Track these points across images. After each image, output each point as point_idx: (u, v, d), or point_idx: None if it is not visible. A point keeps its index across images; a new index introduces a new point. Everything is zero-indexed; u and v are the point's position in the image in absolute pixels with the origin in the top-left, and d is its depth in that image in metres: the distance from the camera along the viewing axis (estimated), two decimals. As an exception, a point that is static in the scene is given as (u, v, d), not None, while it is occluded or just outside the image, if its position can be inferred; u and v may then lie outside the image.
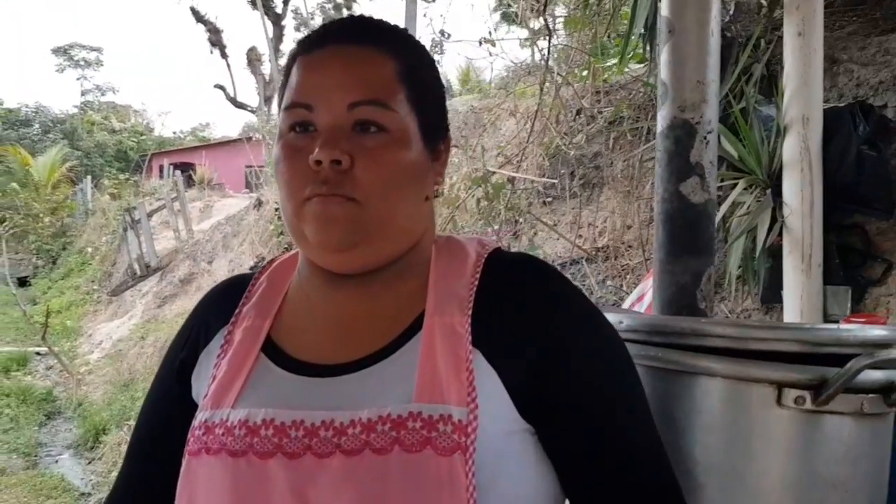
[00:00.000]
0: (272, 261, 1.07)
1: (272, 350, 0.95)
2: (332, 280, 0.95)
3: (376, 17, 0.99)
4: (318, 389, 0.89)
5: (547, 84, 5.40)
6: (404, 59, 0.94)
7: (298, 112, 0.91)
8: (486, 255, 0.97)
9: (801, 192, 2.92)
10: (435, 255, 0.97)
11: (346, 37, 0.94)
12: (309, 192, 0.88)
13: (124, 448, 1.07)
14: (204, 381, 0.97)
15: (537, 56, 7.17)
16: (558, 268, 4.94)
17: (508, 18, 9.15)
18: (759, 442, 1.06)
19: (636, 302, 2.88)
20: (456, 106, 7.92)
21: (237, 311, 1.01)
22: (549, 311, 0.90)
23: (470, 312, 0.89)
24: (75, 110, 41.19)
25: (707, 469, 1.09)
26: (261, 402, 0.89)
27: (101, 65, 46.14)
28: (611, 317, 1.22)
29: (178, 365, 1.01)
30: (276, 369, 0.93)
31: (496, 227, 5.32)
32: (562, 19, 6.41)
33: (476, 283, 0.92)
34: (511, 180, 5.46)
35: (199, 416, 0.92)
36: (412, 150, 0.92)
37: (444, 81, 1.06)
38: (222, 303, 1.03)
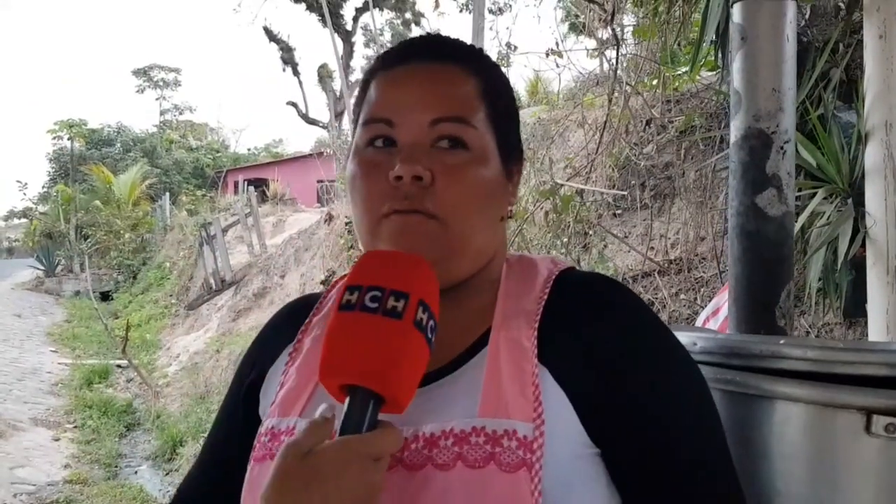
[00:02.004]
0: (341, 277, 1.07)
1: None
2: None
3: (445, 31, 0.99)
4: None
5: (616, 94, 5.33)
6: (485, 77, 0.94)
7: (378, 127, 0.91)
8: (557, 273, 0.95)
9: (885, 200, 2.79)
10: (506, 274, 0.96)
11: (427, 54, 0.94)
12: (388, 208, 0.88)
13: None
14: (270, 396, 0.97)
15: (605, 66, 7.09)
16: (630, 282, 4.86)
17: (576, 29, 9.08)
18: (845, 472, 1.00)
19: (711, 316, 2.80)
20: (524, 118, 7.87)
21: (307, 321, 1.02)
22: (620, 332, 0.87)
23: (536, 326, 0.87)
24: (155, 129, 42.53)
25: (788, 500, 1.03)
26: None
27: (179, 85, 47.72)
28: (684, 337, 1.17)
29: (247, 385, 1.02)
30: None
31: (565, 239, 5.26)
32: (630, 28, 6.32)
33: (545, 298, 0.91)
34: (580, 192, 5.39)
35: (266, 423, 0.92)
36: (491, 168, 0.92)
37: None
38: (289, 321, 1.04)
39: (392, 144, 0.90)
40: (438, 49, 0.95)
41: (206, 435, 1.09)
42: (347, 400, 0.77)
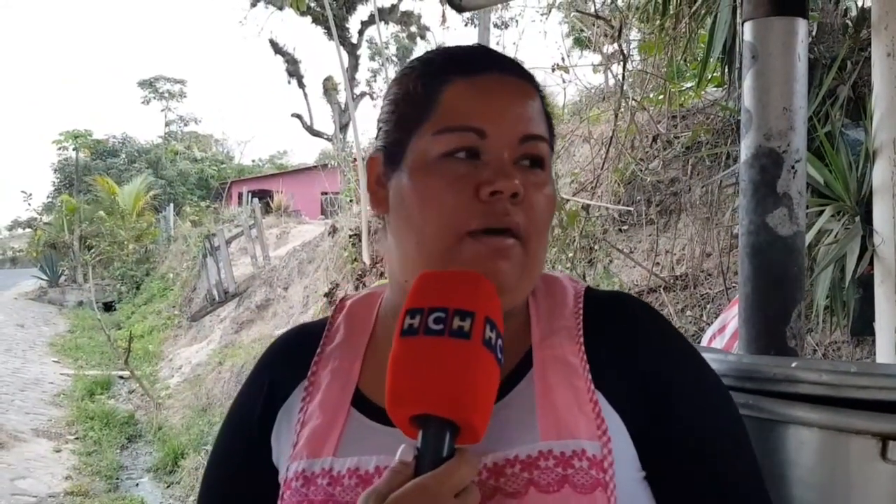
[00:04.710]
0: (343, 301, 1.02)
1: (361, 402, 0.89)
2: None
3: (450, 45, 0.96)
4: None
5: (622, 109, 5.33)
6: (543, 95, 0.92)
7: (466, 137, 0.84)
8: (583, 290, 0.93)
9: (893, 218, 2.77)
10: (532, 290, 0.93)
11: (504, 66, 0.90)
12: (477, 224, 0.83)
13: (202, 472, 1.01)
14: (286, 441, 0.90)
15: (611, 81, 7.09)
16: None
17: (581, 44, 9.10)
18: (860, 500, 0.98)
19: (717, 333, 2.78)
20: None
21: (318, 352, 0.95)
22: (664, 356, 0.88)
23: (581, 342, 0.86)
24: (159, 140, 42.55)
25: (803, 527, 1.01)
26: (368, 451, 0.84)
27: (185, 96, 47.62)
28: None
29: (258, 424, 0.94)
30: (370, 423, 0.87)
31: (570, 254, 5.24)
32: (636, 43, 6.33)
33: (581, 314, 0.89)
34: (586, 207, 5.38)
35: (294, 466, 0.86)
36: (553, 189, 0.90)
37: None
38: (294, 354, 0.97)
39: (472, 156, 0.85)
40: (511, 63, 0.91)
41: (205, 484, 0.99)
42: (421, 434, 0.73)
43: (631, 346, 0.87)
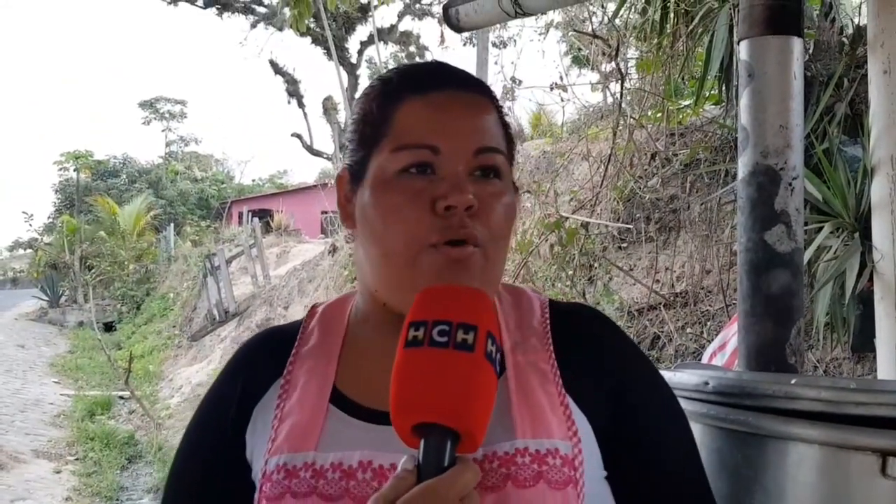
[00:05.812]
0: (314, 308, 1.05)
1: (340, 399, 0.92)
2: None
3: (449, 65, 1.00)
4: None
5: (620, 127, 5.35)
6: (498, 107, 0.96)
7: (420, 153, 0.88)
8: (547, 302, 0.99)
9: (892, 234, 2.78)
10: (498, 299, 0.98)
11: (458, 82, 0.94)
12: (437, 237, 0.86)
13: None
14: (261, 436, 0.93)
15: (609, 99, 7.13)
16: (636, 315, 4.84)
17: (579, 62, 9.15)
18: (861, 516, 0.98)
19: (718, 350, 2.78)
20: (528, 150, 7.89)
21: (293, 353, 0.98)
22: (627, 363, 0.95)
23: (551, 349, 0.92)
24: (160, 161, 42.57)
25: (804, 544, 1.01)
26: (350, 446, 0.87)
27: (185, 117, 47.61)
28: (695, 376, 1.16)
29: (232, 421, 0.96)
30: (350, 419, 0.90)
31: (570, 272, 5.25)
32: (634, 62, 6.36)
33: (547, 323, 0.95)
34: (585, 225, 5.39)
35: (274, 460, 0.88)
36: (512, 197, 0.93)
37: (515, 126, 1.05)
38: (267, 354, 1.00)
39: (427, 171, 0.88)
40: (465, 78, 0.95)
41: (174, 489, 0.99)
42: (423, 442, 0.75)
43: (597, 354, 0.93)
